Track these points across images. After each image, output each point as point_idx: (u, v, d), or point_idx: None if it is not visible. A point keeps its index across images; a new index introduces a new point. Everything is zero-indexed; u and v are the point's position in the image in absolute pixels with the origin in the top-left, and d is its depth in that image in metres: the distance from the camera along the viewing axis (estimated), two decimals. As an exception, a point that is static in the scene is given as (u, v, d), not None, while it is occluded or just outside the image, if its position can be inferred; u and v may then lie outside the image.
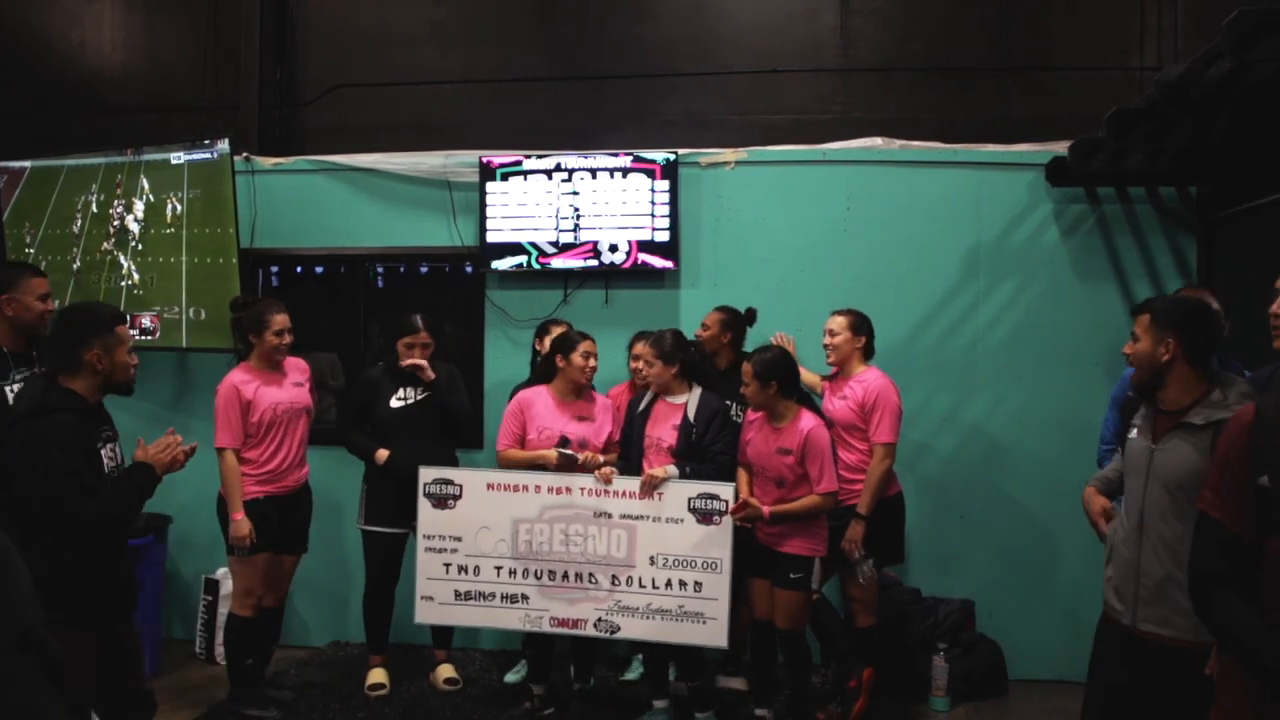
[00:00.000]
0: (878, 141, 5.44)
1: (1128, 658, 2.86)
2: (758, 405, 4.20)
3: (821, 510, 4.14)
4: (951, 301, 5.34)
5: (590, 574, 4.27)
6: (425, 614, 4.49)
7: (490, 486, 4.36)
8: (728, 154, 5.49)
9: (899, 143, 5.43)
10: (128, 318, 3.96)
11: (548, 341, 4.79)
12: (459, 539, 4.37)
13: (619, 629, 4.28)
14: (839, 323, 4.60)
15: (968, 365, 5.33)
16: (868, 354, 4.62)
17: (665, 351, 4.34)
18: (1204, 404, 2.75)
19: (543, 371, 4.69)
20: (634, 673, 5.19)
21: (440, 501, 4.38)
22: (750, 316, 4.97)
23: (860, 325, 4.59)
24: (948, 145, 5.41)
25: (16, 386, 3.70)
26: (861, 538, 4.36)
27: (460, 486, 4.37)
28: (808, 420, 4.13)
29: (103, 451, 3.18)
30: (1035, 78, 5.73)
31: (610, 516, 4.25)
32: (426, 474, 4.40)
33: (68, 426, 3.04)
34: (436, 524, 4.39)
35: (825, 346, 4.62)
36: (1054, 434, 5.21)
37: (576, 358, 4.47)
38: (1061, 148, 5.10)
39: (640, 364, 4.49)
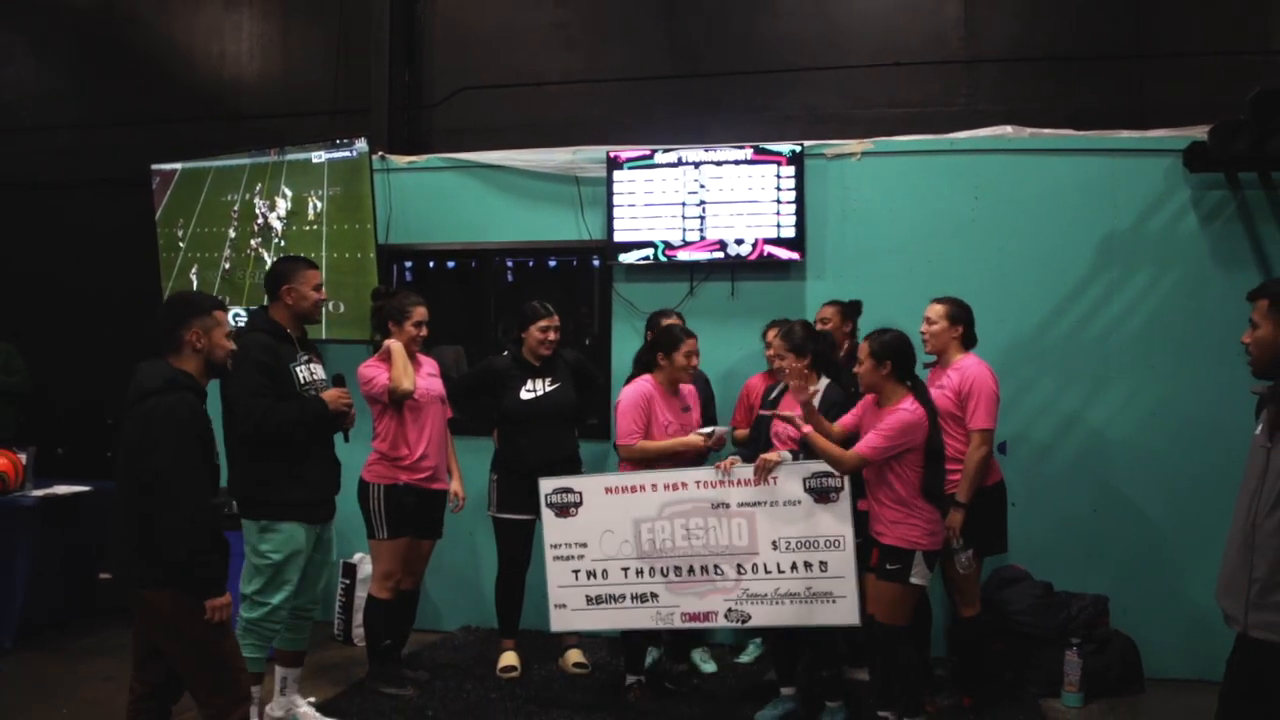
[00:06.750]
0: (1007, 130, 5.36)
1: (1245, 663, 2.75)
2: (868, 385, 4.08)
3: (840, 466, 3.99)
4: (1084, 292, 5.23)
5: (715, 565, 4.26)
6: (560, 621, 4.48)
7: (609, 490, 4.37)
8: (854, 145, 5.47)
9: (1029, 131, 5.34)
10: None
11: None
12: (584, 545, 4.38)
13: (750, 618, 4.25)
14: (936, 311, 4.54)
15: (1101, 357, 5.22)
16: (967, 342, 4.54)
17: (796, 344, 4.34)
18: None
19: (643, 361, 4.77)
20: (749, 655, 5.23)
21: (563, 510, 4.40)
22: (856, 308, 5.05)
23: (958, 314, 4.51)
24: (1080, 132, 5.30)
25: (301, 368, 4.05)
26: (960, 525, 4.31)
27: (580, 493, 4.39)
28: (904, 405, 3.96)
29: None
30: (1168, 64, 5.59)
31: (728, 506, 4.23)
32: (546, 485, 4.42)
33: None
34: (561, 532, 4.40)
35: (922, 334, 4.54)
36: (1190, 429, 5.08)
37: (679, 357, 4.56)
38: (1200, 132, 4.97)
39: (773, 352, 4.54)
